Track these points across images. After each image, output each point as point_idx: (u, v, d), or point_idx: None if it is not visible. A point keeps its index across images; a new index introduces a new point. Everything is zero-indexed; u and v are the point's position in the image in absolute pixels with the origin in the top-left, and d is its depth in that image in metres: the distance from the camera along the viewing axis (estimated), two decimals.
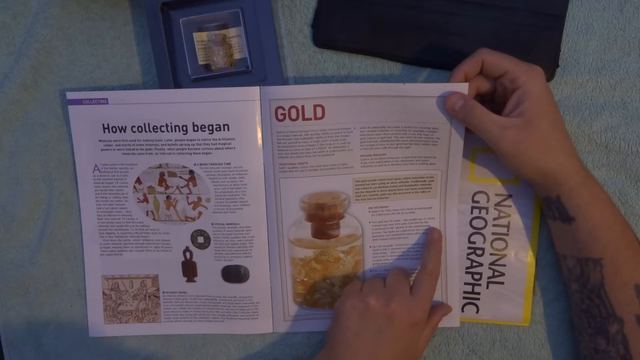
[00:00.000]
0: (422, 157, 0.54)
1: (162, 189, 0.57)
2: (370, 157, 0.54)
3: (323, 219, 0.56)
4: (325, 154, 0.53)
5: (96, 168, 0.57)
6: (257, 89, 0.53)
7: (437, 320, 0.56)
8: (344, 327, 0.52)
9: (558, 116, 0.50)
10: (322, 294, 0.58)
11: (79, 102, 0.56)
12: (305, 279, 0.57)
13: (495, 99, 0.52)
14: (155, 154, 0.56)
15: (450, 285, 0.57)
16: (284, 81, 0.57)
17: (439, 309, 0.56)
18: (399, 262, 0.57)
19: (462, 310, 0.58)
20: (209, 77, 0.57)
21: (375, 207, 0.56)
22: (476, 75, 0.51)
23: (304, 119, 0.52)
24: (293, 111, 0.52)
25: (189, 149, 0.55)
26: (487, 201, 0.57)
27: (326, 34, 0.57)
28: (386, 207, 0.56)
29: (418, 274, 0.54)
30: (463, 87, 0.50)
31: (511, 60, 0.49)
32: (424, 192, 0.55)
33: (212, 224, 0.57)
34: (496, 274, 0.57)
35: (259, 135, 0.54)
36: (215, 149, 0.55)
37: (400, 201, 0.56)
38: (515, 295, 0.57)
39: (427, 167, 0.54)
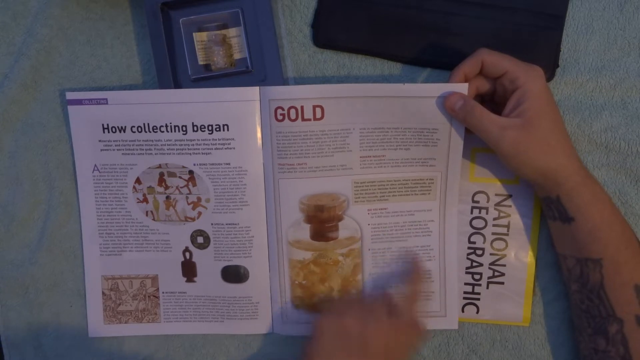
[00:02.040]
0: (422, 159, 0.54)
1: (161, 189, 0.57)
2: (370, 158, 0.54)
3: (322, 220, 0.56)
4: (324, 155, 0.53)
5: (96, 168, 0.57)
6: (256, 89, 0.53)
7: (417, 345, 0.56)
8: (318, 346, 0.51)
9: (558, 116, 0.50)
10: (321, 298, 0.57)
11: (78, 102, 0.56)
12: (304, 282, 0.57)
13: (495, 99, 0.52)
14: (155, 154, 0.56)
15: (450, 285, 0.57)
16: (284, 81, 0.57)
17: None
18: (398, 265, 0.57)
19: (462, 311, 0.58)
20: (209, 77, 0.57)
21: (374, 209, 0.56)
22: (476, 75, 0.51)
23: (303, 119, 0.52)
24: (292, 111, 0.52)
25: (188, 149, 0.55)
26: (487, 201, 0.57)
27: (326, 34, 0.57)
28: (385, 209, 0.56)
29: (401, 299, 0.54)
30: (463, 88, 0.50)
31: (511, 61, 0.49)
32: (423, 194, 0.55)
33: (212, 224, 0.57)
34: (496, 274, 0.57)
35: (259, 135, 0.54)
36: (215, 149, 0.55)
37: (400, 203, 0.56)
38: (515, 295, 0.57)
39: (427, 169, 0.54)
